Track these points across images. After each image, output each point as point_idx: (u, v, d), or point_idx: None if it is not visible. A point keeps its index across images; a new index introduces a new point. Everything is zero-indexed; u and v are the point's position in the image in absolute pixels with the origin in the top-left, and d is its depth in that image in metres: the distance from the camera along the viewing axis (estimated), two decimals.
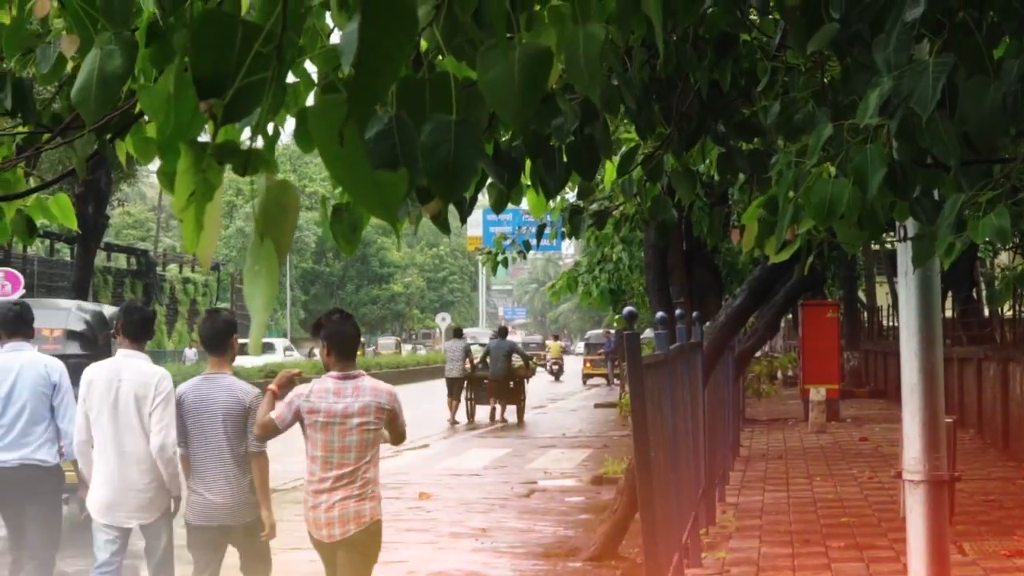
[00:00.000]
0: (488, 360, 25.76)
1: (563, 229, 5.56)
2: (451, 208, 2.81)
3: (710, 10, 3.72)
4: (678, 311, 9.52)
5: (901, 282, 5.22)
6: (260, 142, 1.71)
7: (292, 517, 11.24)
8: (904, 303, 5.21)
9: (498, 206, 3.49)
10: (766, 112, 3.81)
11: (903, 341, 5.23)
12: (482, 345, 29.73)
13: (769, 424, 21.53)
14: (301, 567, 9.28)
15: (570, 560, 10.30)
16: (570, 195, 6.78)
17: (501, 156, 3.23)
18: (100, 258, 40.23)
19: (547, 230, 6.57)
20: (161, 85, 2.29)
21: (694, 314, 10.25)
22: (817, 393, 20.30)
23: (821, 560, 8.92)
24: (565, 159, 3.37)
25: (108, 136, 3.14)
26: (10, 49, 2.89)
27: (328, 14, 2.54)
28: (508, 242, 12.09)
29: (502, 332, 27.40)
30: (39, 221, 3.94)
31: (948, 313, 22.86)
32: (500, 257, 12.44)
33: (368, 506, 6.09)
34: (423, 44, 2.24)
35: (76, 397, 6.82)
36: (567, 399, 36.73)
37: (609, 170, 4.75)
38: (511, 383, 26.04)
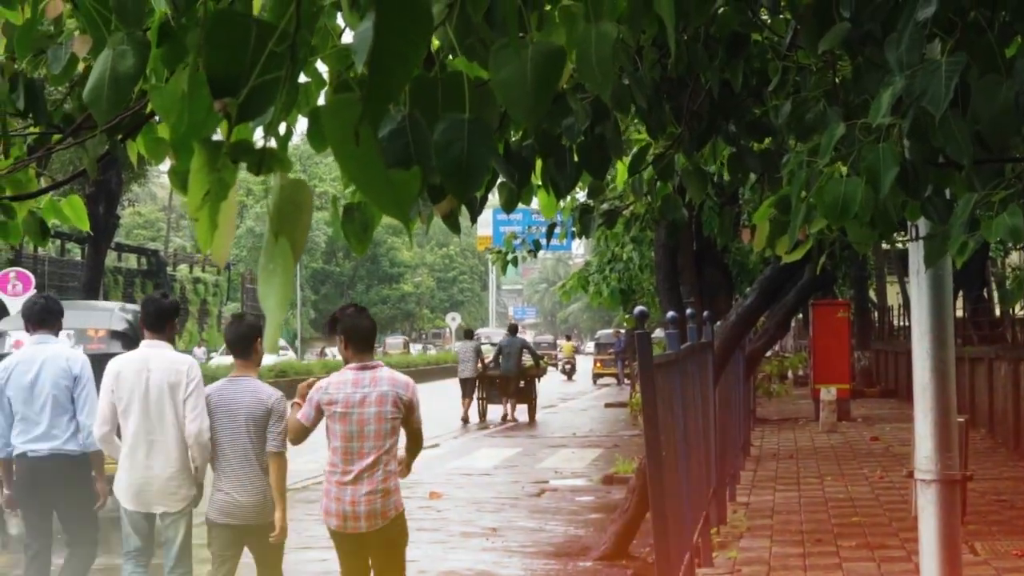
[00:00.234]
0: (500, 359, 25.79)
1: (573, 229, 5.55)
2: (461, 208, 2.82)
3: (721, 10, 3.71)
4: (688, 311, 9.51)
5: (913, 281, 5.21)
6: (273, 142, 1.71)
7: (302, 516, 11.29)
8: (916, 302, 5.20)
9: (509, 205, 3.49)
10: (777, 112, 3.81)
11: (915, 340, 5.22)
12: (493, 344, 29.74)
13: (780, 424, 21.51)
14: (311, 566, 9.31)
15: (581, 560, 10.30)
16: (580, 195, 6.78)
17: (512, 156, 3.23)
18: (111, 258, 40.29)
19: (557, 230, 6.57)
20: (173, 85, 2.30)
21: (704, 314, 10.25)
22: (828, 393, 20.27)
23: (832, 560, 8.91)
24: (576, 159, 3.37)
25: (119, 136, 3.14)
26: (22, 49, 2.90)
27: (339, 14, 2.54)
28: (518, 241, 12.09)
29: (512, 330, 27.42)
30: (51, 222, 3.96)
31: (959, 313, 22.83)
32: (510, 256, 12.43)
33: (393, 499, 6.20)
34: (435, 43, 2.25)
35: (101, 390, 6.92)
36: (578, 398, 36.73)
37: (620, 170, 4.75)
38: (522, 382, 26.06)
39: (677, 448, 6.87)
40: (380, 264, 78.04)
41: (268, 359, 36.99)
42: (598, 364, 46.44)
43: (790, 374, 31.45)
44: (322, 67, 2.88)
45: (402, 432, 6.31)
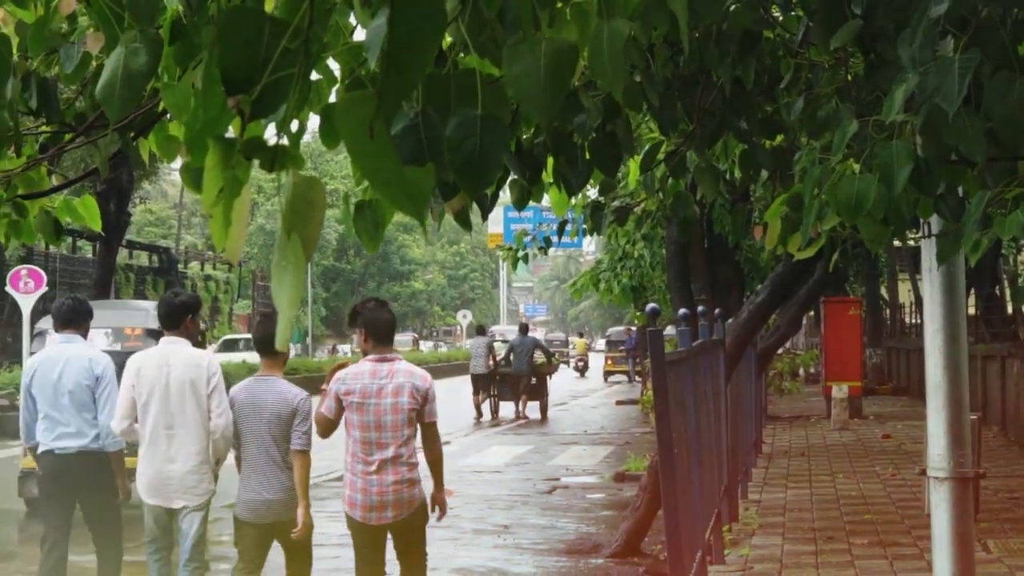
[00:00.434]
0: (511, 357, 25.80)
1: (584, 226, 5.55)
2: (472, 205, 2.82)
3: (733, 7, 3.71)
4: (700, 308, 9.50)
5: (925, 279, 5.19)
6: (285, 139, 1.71)
7: (313, 513, 11.29)
8: (928, 300, 5.18)
9: (520, 203, 3.49)
10: (789, 109, 3.80)
11: (927, 338, 5.20)
12: (505, 342, 29.75)
13: (791, 421, 21.48)
14: (323, 563, 9.32)
15: (592, 557, 10.30)
16: (592, 192, 6.78)
17: (523, 153, 3.24)
18: (122, 255, 40.38)
19: (568, 227, 6.57)
20: (185, 83, 2.31)
21: (716, 311, 10.23)
22: (839, 390, 20.22)
23: (845, 557, 8.90)
24: (587, 156, 3.37)
25: (131, 135, 3.15)
26: (35, 47, 2.91)
27: (351, 11, 2.54)
28: (529, 239, 12.08)
29: (523, 329, 27.43)
30: (64, 221, 3.98)
31: (971, 310, 22.75)
32: (520, 254, 12.42)
33: (417, 488, 6.34)
34: (446, 41, 2.25)
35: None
36: (589, 396, 36.73)
37: (632, 167, 4.75)
38: (534, 379, 26.08)
39: (689, 445, 6.87)
40: (391, 261, 78.13)
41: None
42: (609, 361, 46.42)
43: (801, 371, 31.40)
44: (333, 64, 2.88)
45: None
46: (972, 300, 23.05)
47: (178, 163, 2.92)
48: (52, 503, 7.46)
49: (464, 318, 67.96)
